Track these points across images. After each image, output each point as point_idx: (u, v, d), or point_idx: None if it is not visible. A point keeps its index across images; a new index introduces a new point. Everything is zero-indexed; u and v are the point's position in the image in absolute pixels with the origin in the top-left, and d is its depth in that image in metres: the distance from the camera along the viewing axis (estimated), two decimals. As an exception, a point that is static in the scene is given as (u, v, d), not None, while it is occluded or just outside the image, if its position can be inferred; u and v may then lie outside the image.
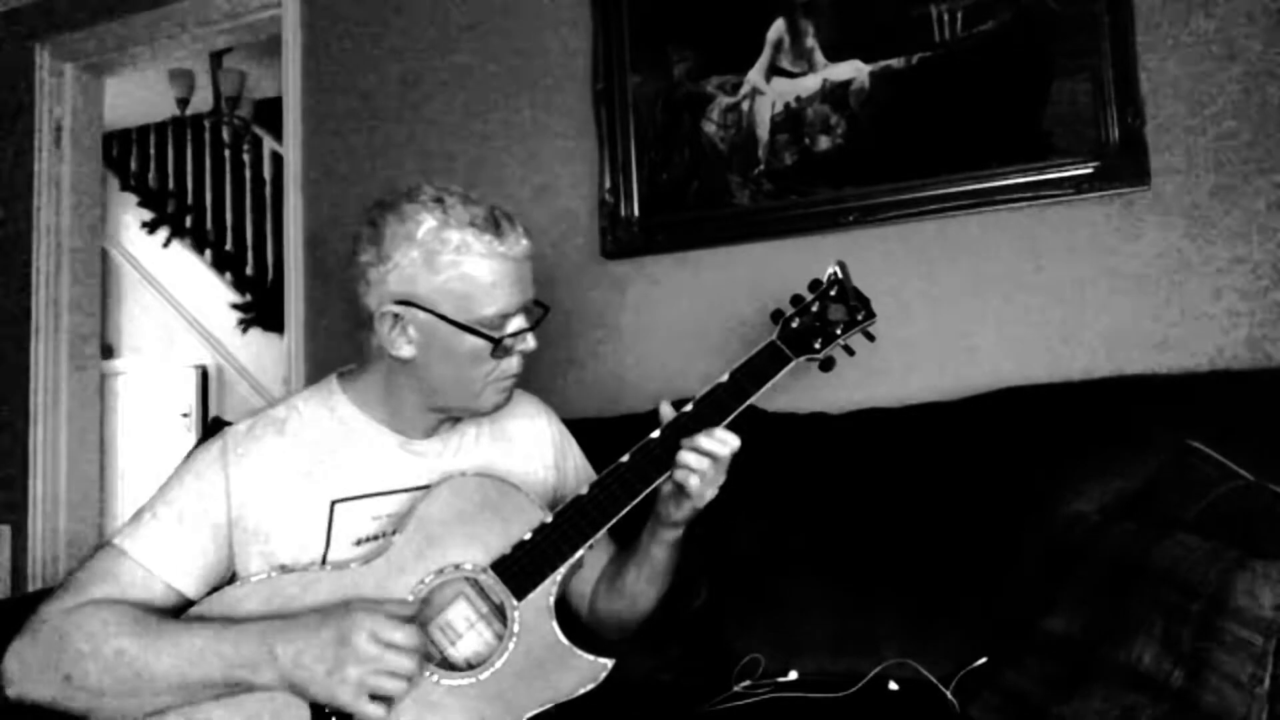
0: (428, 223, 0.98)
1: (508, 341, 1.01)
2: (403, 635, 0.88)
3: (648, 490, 1.02)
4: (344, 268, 1.06)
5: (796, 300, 1.12)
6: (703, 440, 0.99)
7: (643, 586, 1.11)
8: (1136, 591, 1.04)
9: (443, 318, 0.98)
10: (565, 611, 1.01)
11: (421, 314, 0.99)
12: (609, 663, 0.97)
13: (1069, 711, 1.00)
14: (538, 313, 1.07)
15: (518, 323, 1.03)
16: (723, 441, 0.99)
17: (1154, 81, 1.56)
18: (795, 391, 1.66)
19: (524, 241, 1.02)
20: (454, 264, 0.98)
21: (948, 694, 1.18)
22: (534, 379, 1.91)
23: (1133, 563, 1.07)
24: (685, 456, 0.99)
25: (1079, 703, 1.00)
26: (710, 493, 1.01)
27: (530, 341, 1.05)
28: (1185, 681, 0.93)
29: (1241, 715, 0.89)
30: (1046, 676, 1.08)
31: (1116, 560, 1.11)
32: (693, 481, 0.98)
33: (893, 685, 1.25)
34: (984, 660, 1.21)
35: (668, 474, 1.01)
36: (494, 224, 0.99)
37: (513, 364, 1.05)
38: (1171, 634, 0.96)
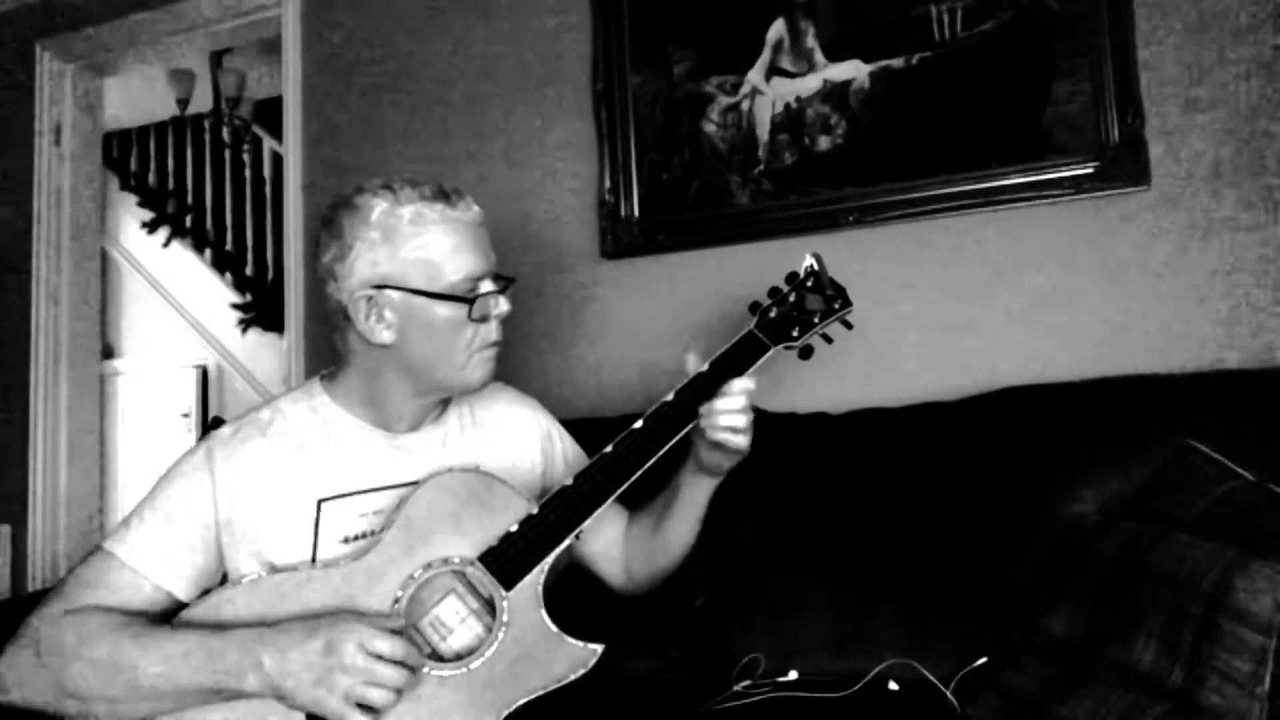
0: (380, 205, 1.00)
1: (481, 303, 1.02)
2: (391, 646, 0.89)
3: (633, 478, 1.04)
4: (310, 273, 1.08)
5: (774, 292, 1.14)
6: (719, 403, 1.03)
7: (688, 529, 1.16)
8: (1137, 592, 1.04)
9: (414, 291, 1.00)
10: (560, 601, 1.01)
11: (394, 293, 1.00)
12: (599, 648, 0.98)
13: (1069, 712, 1.00)
14: (504, 282, 1.08)
15: (487, 286, 1.04)
16: (737, 394, 1.04)
17: (1154, 81, 1.56)
18: (796, 391, 1.66)
19: (475, 208, 1.05)
20: (413, 235, 1.00)
21: (948, 694, 1.18)
22: (533, 377, 1.92)
23: (1133, 563, 1.07)
24: (718, 419, 1.03)
25: (1079, 703, 1.00)
26: (746, 440, 1.05)
27: (504, 305, 1.06)
28: (1185, 681, 0.93)
29: (1241, 715, 0.88)
30: (1047, 677, 1.08)
31: (1117, 560, 1.11)
32: (734, 440, 1.04)
33: (893, 685, 1.25)
34: (984, 660, 1.21)
35: (652, 459, 1.05)
36: (443, 193, 1.02)
37: (492, 331, 1.06)
38: (1172, 634, 0.96)
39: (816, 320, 1.13)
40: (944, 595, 1.31)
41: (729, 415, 1.03)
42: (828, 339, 1.16)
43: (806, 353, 1.13)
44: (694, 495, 1.13)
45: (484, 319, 1.04)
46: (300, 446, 1.05)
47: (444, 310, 1.01)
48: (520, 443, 1.20)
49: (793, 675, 1.29)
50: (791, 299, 1.13)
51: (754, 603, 1.39)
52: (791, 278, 1.15)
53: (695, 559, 1.23)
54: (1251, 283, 1.51)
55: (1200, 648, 0.93)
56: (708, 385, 1.06)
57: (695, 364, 1.08)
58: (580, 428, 1.30)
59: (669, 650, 1.38)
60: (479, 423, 1.17)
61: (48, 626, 0.93)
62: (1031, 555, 1.27)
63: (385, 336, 1.02)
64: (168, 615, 0.97)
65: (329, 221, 1.04)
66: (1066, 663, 1.08)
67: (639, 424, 1.06)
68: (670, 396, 1.07)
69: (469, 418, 1.17)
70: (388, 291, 1.00)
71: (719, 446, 1.05)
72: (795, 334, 1.12)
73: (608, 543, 1.20)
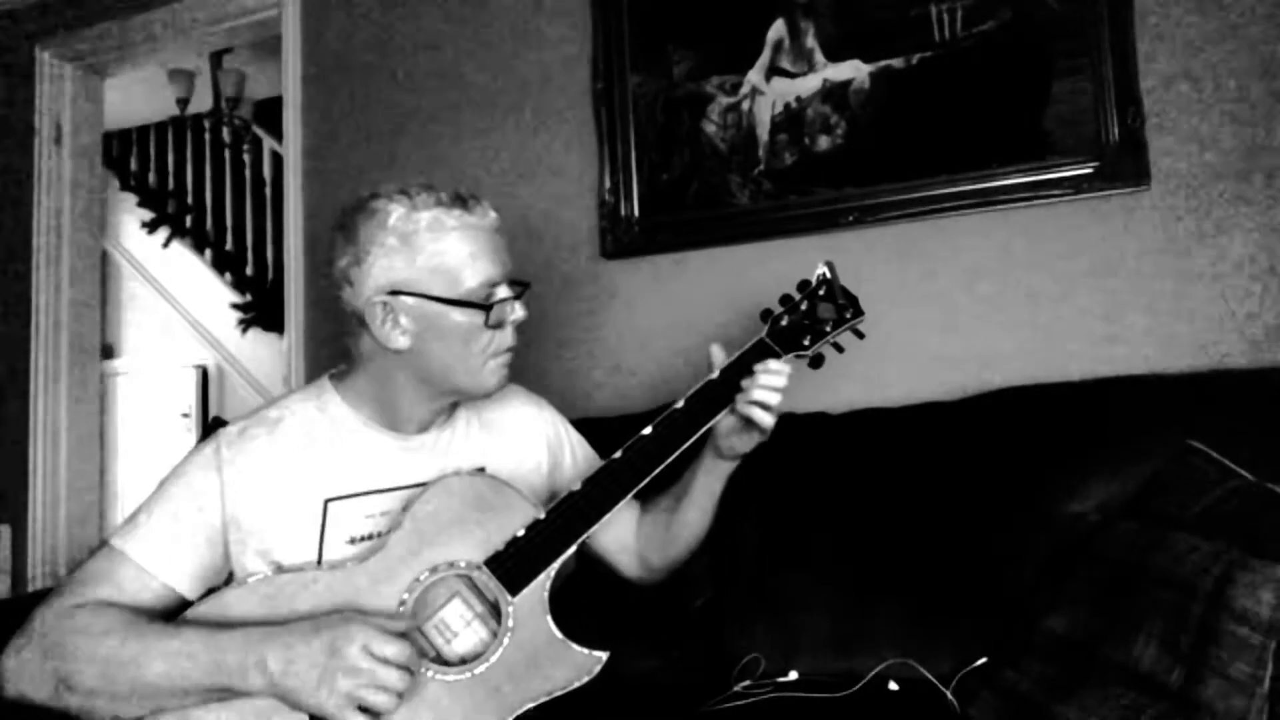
0: (397, 210, 1.00)
1: (498, 310, 1.02)
2: (395, 649, 0.88)
3: (641, 484, 1.05)
4: (323, 279, 1.07)
5: (786, 300, 1.14)
6: (762, 378, 1.04)
7: (702, 517, 1.17)
8: (1136, 591, 1.04)
9: (431, 297, 0.99)
10: (561, 600, 1.02)
11: (410, 299, 1.00)
12: (603, 656, 0.98)
13: (1069, 712, 1.00)
14: (520, 288, 1.08)
15: (504, 292, 1.04)
16: (776, 372, 1.05)
17: (1154, 80, 1.56)
18: (795, 391, 1.66)
19: (492, 213, 1.05)
20: (431, 241, 0.99)
21: (948, 694, 1.18)
22: (534, 377, 1.91)
23: (1133, 563, 1.07)
24: (755, 394, 1.04)
25: (1079, 703, 1.00)
26: (773, 420, 1.05)
27: (520, 311, 1.05)
28: (1185, 681, 0.93)
29: (1241, 715, 0.88)
30: (1046, 676, 1.08)
31: (1117, 560, 1.11)
32: (763, 417, 1.04)
33: (893, 685, 1.25)
34: (984, 660, 1.21)
35: (660, 467, 1.05)
36: (460, 200, 1.02)
37: (507, 336, 1.06)
38: (1171, 634, 0.96)
39: (828, 330, 1.13)
40: (944, 595, 1.32)
41: (765, 392, 1.04)
42: (839, 348, 1.16)
43: (817, 362, 1.13)
44: (710, 483, 1.14)
45: (500, 325, 1.03)
46: (308, 446, 1.05)
47: (460, 317, 1.00)
48: (527, 443, 1.20)
49: (793, 675, 1.29)
50: (803, 307, 1.12)
51: (754, 603, 1.39)
52: (803, 286, 1.14)
53: (696, 559, 1.23)
54: (1252, 283, 1.51)
55: (1200, 648, 0.93)
56: (717, 391, 1.07)
57: (720, 356, 1.08)
58: (580, 428, 1.30)
59: (669, 650, 1.38)
60: (486, 424, 1.17)
61: (52, 621, 0.93)
62: (1031, 555, 1.27)
63: (401, 342, 1.01)
64: (173, 613, 0.97)
65: (344, 226, 1.03)
66: (1066, 663, 1.08)
67: (648, 430, 1.05)
68: (680, 403, 1.07)
69: (476, 420, 1.17)
70: (404, 297, 1.00)
71: (746, 425, 1.06)
72: (806, 343, 1.12)
73: (621, 536, 1.21)
